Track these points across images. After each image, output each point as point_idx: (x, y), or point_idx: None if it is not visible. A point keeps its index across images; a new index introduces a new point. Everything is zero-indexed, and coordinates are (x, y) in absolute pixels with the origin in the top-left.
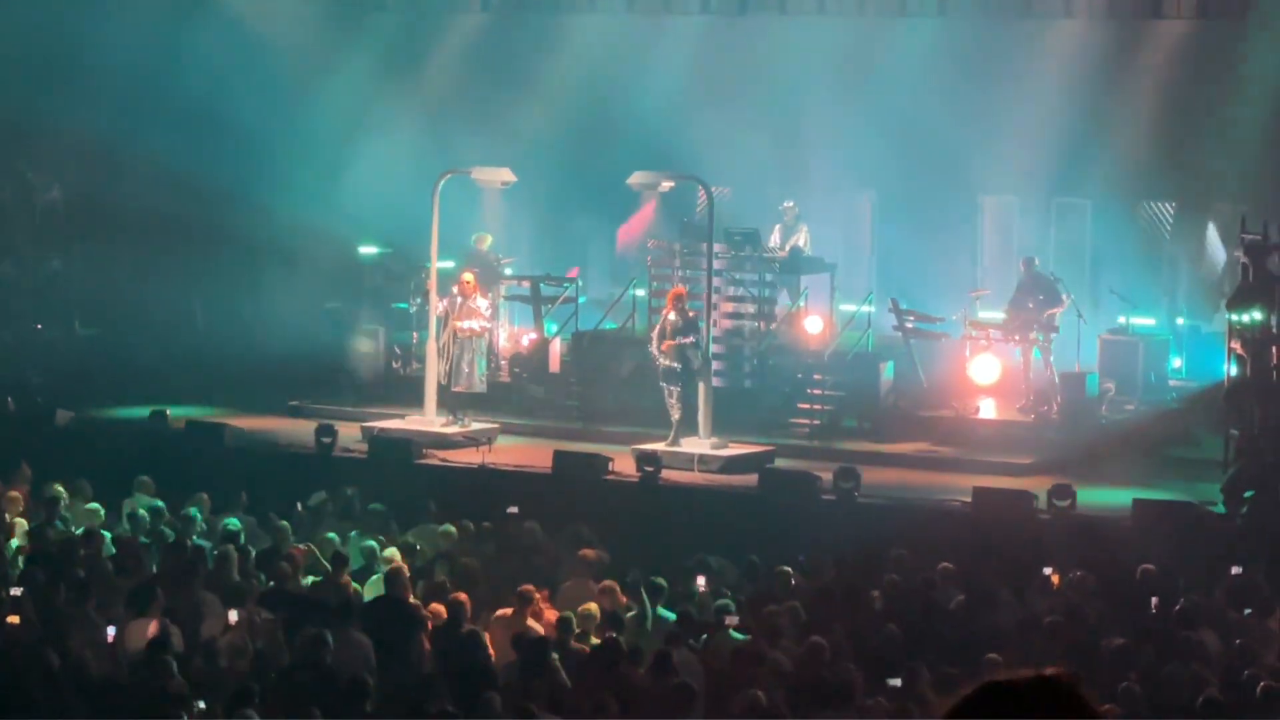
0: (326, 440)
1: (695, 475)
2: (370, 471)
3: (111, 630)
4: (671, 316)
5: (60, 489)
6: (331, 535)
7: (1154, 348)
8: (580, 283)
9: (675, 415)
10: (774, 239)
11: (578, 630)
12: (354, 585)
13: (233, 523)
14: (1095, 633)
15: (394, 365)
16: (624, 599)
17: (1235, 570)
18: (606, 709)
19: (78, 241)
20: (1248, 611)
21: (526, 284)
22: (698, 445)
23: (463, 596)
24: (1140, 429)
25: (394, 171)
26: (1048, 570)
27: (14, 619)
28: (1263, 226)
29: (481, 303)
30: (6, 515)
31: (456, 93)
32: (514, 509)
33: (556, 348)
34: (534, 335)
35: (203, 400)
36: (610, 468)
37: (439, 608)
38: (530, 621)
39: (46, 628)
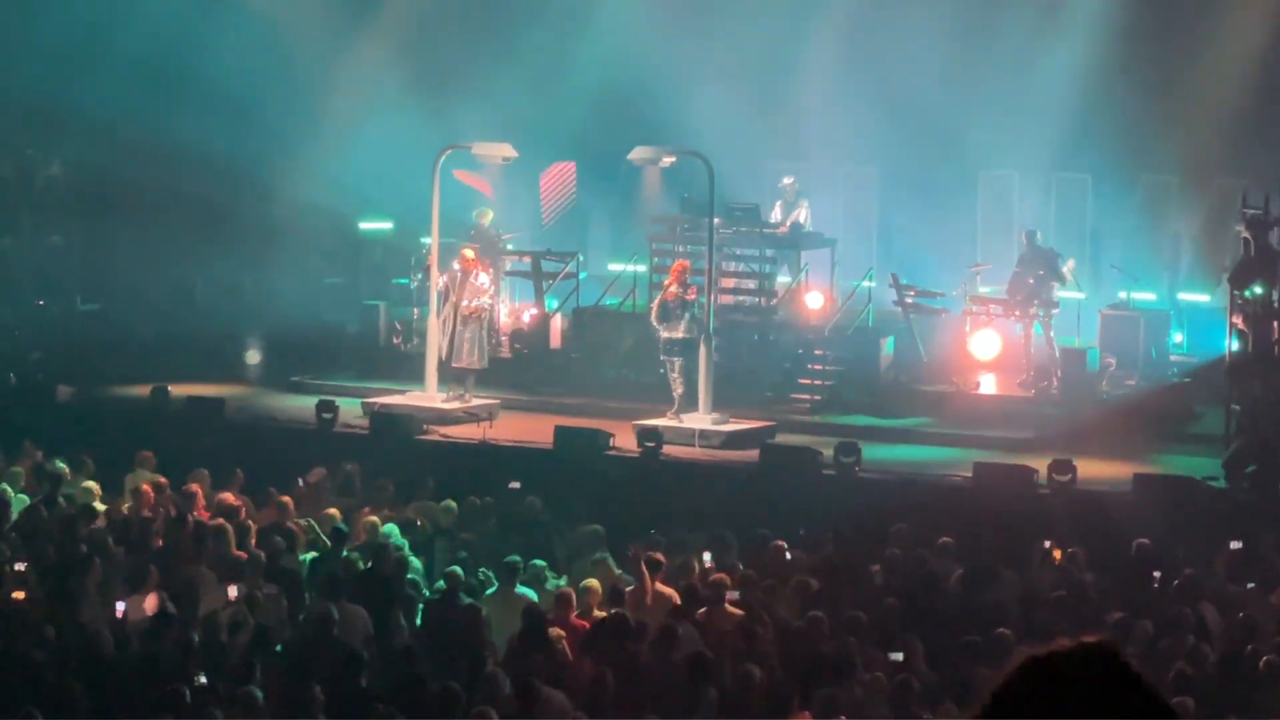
0: (327, 416)
1: (696, 451)
2: (371, 447)
3: (121, 606)
4: (674, 289)
5: (62, 464)
6: (332, 511)
7: (1155, 322)
8: (581, 258)
9: (678, 390)
10: (775, 214)
11: (579, 606)
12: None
13: (227, 498)
14: (1096, 607)
15: (395, 341)
16: (619, 572)
17: (1235, 544)
18: (606, 684)
19: (79, 218)
20: (1250, 585)
21: (527, 259)
22: (699, 421)
23: (459, 570)
24: (1141, 404)
25: (395, 147)
26: (1047, 544)
27: (19, 594)
28: (1264, 201)
29: (483, 278)
30: (8, 490)
31: (458, 69)
32: (515, 484)
33: (558, 323)
34: (535, 311)
35: (203, 376)
36: (611, 443)
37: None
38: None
39: (50, 603)
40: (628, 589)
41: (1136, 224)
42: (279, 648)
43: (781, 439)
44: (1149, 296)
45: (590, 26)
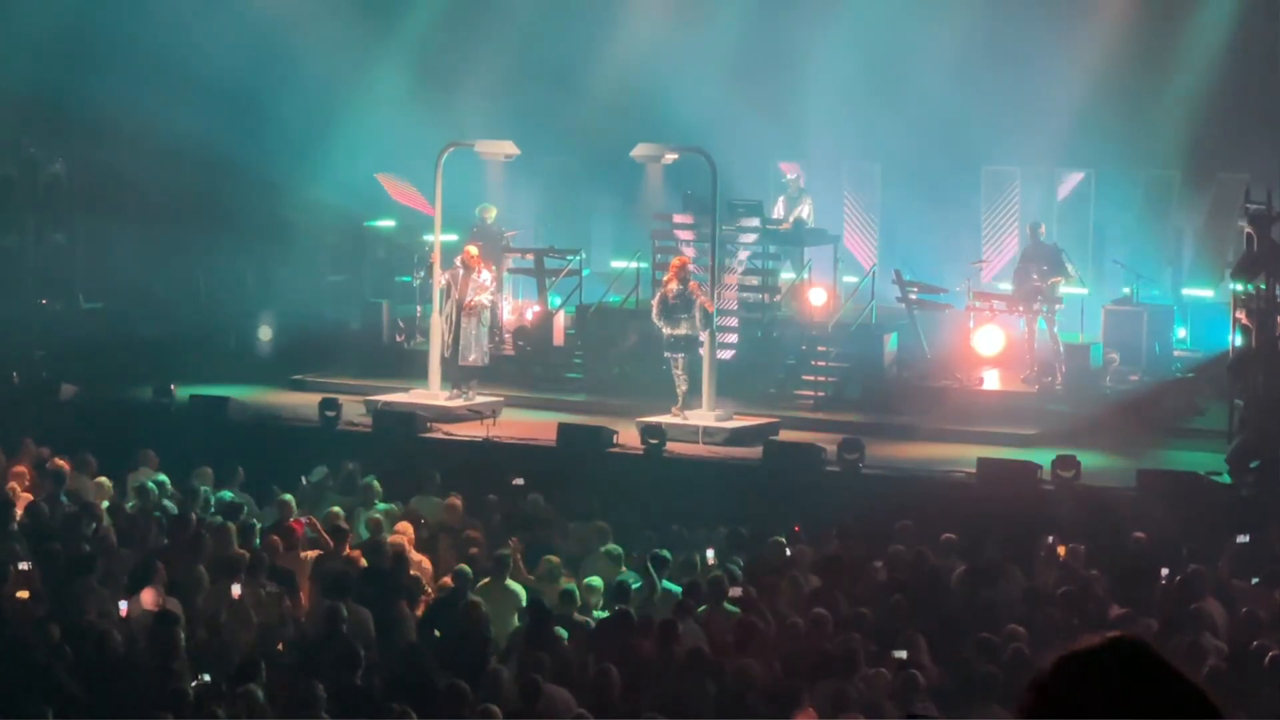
0: (330, 414)
1: (700, 447)
2: (374, 445)
3: (124, 605)
4: (675, 285)
5: (64, 464)
6: (335, 508)
7: (1158, 318)
8: (584, 255)
9: (682, 386)
10: (778, 211)
11: (581, 602)
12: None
13: (228, 496)
14: (1099, 603)
15: (398, 339)
16: (624, 569)
17: (1241, 539)
18: (610, 680)
19: (82, 216)
20: (1255, 580)
21: (530, 257)
22: (702, 418)
23: (467, 568)
24: (1145, 399)
25: (398, 145)
26: (1050, 539)
27: (23, 594)
28: (1267, 196)
29: (485, 276)
30: (12, 490)
31: (460, 65)
32: (519, 481)
33: (560, 320)
34: (538, 308)
35: (206, 374)
36: (615, 440)
37: (447, 580)
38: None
39: (53, 602)
40: (634, 587)
41: (1139, 219)
42: (280, 646)
43: (785, 436)
44: (1152, 292)
45: (594, 24)
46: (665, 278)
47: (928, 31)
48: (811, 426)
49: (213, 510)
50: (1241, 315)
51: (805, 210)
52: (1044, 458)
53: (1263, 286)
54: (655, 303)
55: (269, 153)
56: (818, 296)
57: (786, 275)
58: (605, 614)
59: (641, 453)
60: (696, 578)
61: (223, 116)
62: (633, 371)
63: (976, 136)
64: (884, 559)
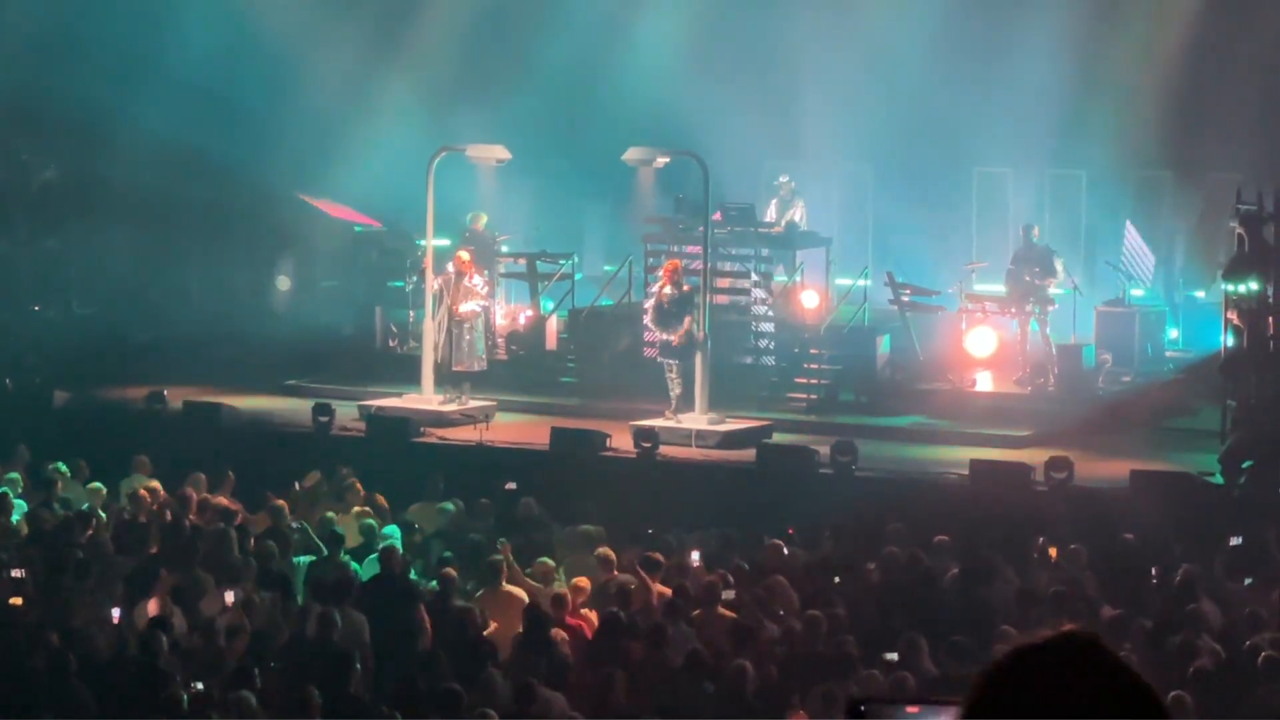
0: (324, 419)
1: (693, 451)
2: (368, 450)
3: (116, 612)
4: (667, 290)
5: (58, 469)
6: (329, 514)
7: (1150, 319)
8: (576, 259)
9: (675, 390)
10: (770, 214)
11: (571, 605)
12: (351, 564)
13: (225, 503)
14: (1094, 604)
15: (391, 343)
16: (616, 573)
17: (1235, 540)
18: (613, 684)
19: (74, 221)
20: (1248, 581)
21: (523, 261)
22: (695, 421)
23: (454, 571)
24: (1137, 400)
25: (390, 149)
26: (1041, 540)
27: (16, 600)
28: (1258, 196)
29: (478, 281)
30: (9, 495)
31: (452, 70)
32: (512, 485)
33: (553, 325)
34: (530, 313)
35: (200, 380)
36: (608, 444)
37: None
38: (511, 587)
39: (48, 609)
40: (631, 588)
41: (1131, 220)
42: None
43: (778, 438)
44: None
45: (585, 28)
46: (659, 283)
47: (919, 33)
48: (804, 429)
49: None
50: (1233, 316)
51: (798, 213)
52: (1037, 459)
53: (1255, 287)
54: (650, 308)
55: (261, 158)
56: (810, 299)
57: (779, 278)
58: (598, 617)
59: (634, 456)
60: (689, 580)
61: (215, 122)
62: (625, 375)
63: (968, 138)
64: (877, 561)
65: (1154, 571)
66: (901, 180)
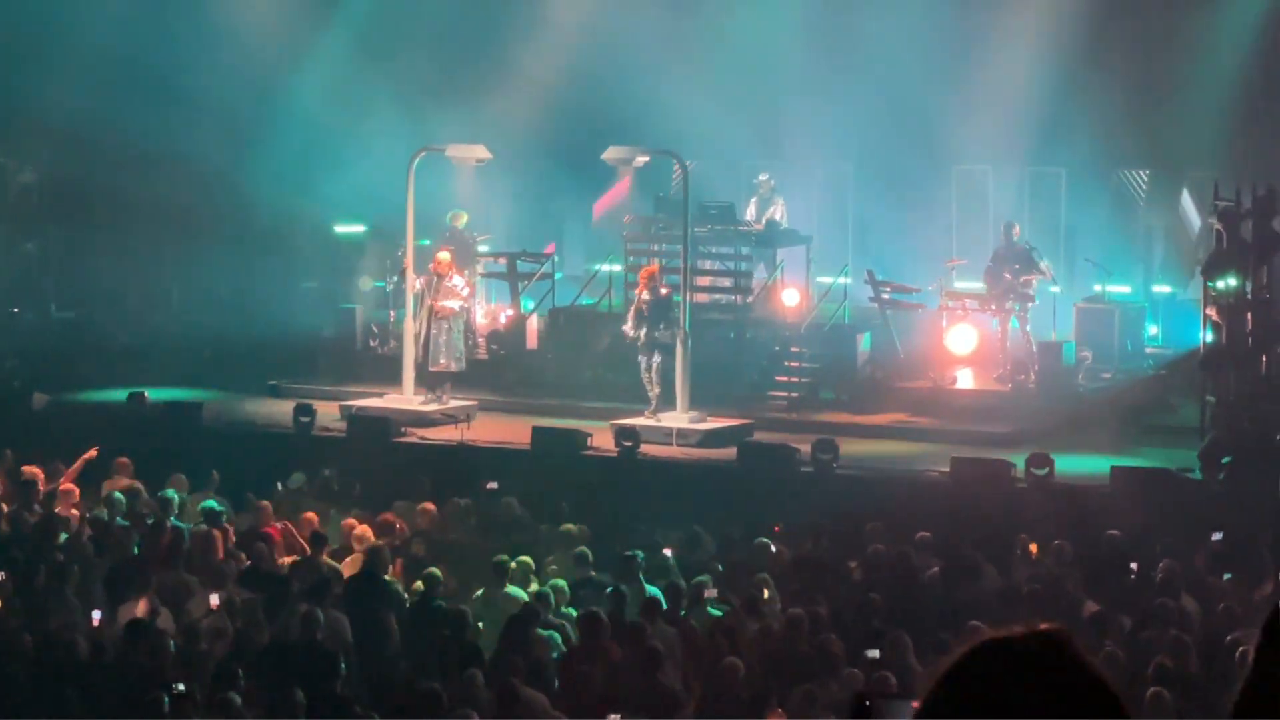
0: (305, 419)
1: (674, 449)
2: (349, 450)
3: (97, 615)
4: (645, 295)
5: (38, 472)
6: (310, 515)
7: (1130, 316)
8: (556, 259)
9: (654, 390)
10: (750, 212)
11: (555, 604)
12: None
13: (210, 504)
14: (1075, 601)
15: (372, 344)
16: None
17: (1216, 536)
18: (590, 683)
19: (53, 224)
20: (1227, 577)
21: (503, 261)
22: (676, 420)
23: (437, 571)
24: (1117, 397)
25: (370, 150)
26: (1023, 537)
27: None
28: (1235, 193)
29: (458, 281)
30: None
31: (431, 70)
32: (493, 485)
33: (533, 324)
34: (511, 312)
35: (180, 381)
36: (589, 443)
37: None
38: (512, 589)
39: (27, 611)
40: (609, 590)
41: (1110, 217)
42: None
43: (759, 437)
44: (1124, 289)
45: (564, 27)
46: (637, 289)
47: (899, 31)
48: (785, 427)
49: (183, 517)
50: (1212, 312)
51: (778, 212)
52: (1018, 456)
53: (1233, 283)
54: (630, 314)
55: (241, 160)
56: (790, 297)
57: (759, 276)
58: (579, 615)
59: (616, 455)
60: (672, 579)
61: (194, 124)
62: (606, 374)
63: (948, 136)
64: (859, 559)
65: (1133, 567)
66: (881, 178)
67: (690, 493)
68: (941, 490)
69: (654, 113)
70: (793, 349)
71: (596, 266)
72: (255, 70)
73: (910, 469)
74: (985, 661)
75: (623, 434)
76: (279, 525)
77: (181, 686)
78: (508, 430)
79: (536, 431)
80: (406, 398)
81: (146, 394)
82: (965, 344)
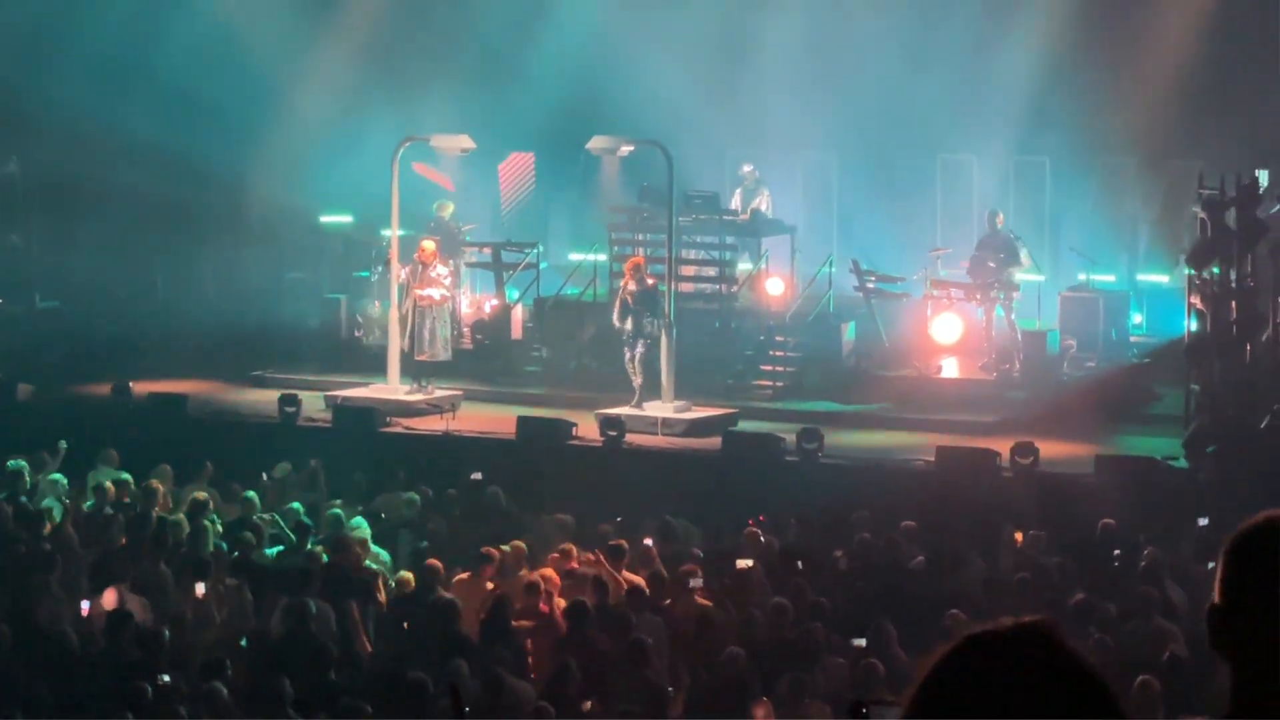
0: (290, 410)
1: (659, 439)
2: (334, 440)
3: (85, 605)
4: (631, 286)
5: (23, 463)
6: (296, 505)
7: (1114, 304)
8: (541, 248)
9: (637, 380)
10: (734, 202)
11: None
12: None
13: (199, 495)
14: (1060, 589)
15: (357, 334)
16: (578, 563)
17: (1201, 523)
18: (571, 674)
19: (37, 216)
20: (1212, 565)
21: (488, 251)
22: (661, 409)
23: (435, 564)
24: (1102, 385)
25: (354, 140)
26: (1008, 525)
27: None
28: (1220, 182)
29: (442, 270)
30: None
31: (416, 61)
32: (477, 475)
33: (518, 314)
34: (496, 302)
35: (165, 372)
36: (574, 433)
37: (408, 575)
38: (488, 584)
39: (12, 601)
40: (593, 576)
41: (1094, 206)
42: (244, 643)
43: (744, 426)
44: (1109, 278)
45: (547, 16)
46: (622, 280)
47: (883, 21)
48: (770, 416)
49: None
50: (1197, 300)
51: (763, 202)
52: (1003, 445)
53: (1217, 271)
54: (616, 306)
55: (225, 151)
56: (775, 287)
57: (744, 266)
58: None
59: (601, 445)
60: (655, 569)
61: (178, 115)
62: (591, 364)
63: (932, 125)
64: (844, 548)
65: (1117, 556)
66: (866, 168)
67: (675, 482)
68: (926, 479)
69: (639, 103)
70: (778, 338)
71: (581, 256)
72: (239, 60)
73: (895, 458)
74: (971, 656)
75: (608, 423)
76: (266, 517)
77: (166, 678)
78: (492, 420)
79: (521, 421)
80: (392, 388)
81: (131, 384)
82: (950, 333)
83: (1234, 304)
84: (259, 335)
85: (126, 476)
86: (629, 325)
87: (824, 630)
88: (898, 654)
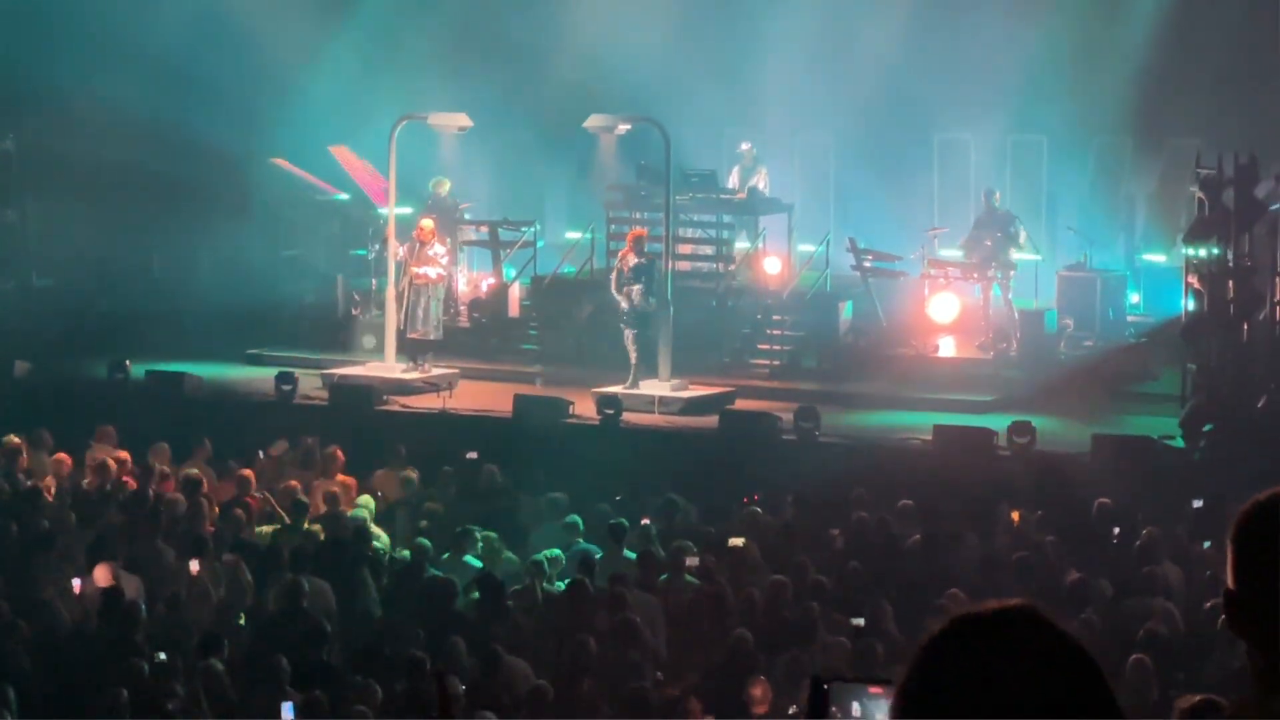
0: (287, 388)
1: (656, 417)
2: (331, 418)
3: (77, 582)
4: (631, 258)
5: (19, 440)
6: (294, 482)
7: (1112, 284)
8: (538, 227)
9: (634, 357)
10: (732, 180)
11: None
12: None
13: (194, 472)
14: (1056, 569)
15: (354, 312)
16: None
17: (1197, 504)
18: (568, 650)
19: (33, 193)
20: (1208, 544)
21: (485, 229)
22: (658, 387)
23: (425, 541)
24: (1099, 365)
25: (351, 118)
26: (1005, 504)
27: None
28: (1218, 161)
29: (439, 248)
30: None
31: (413, 37)
32: (473, 454)
33: (515, 292)
34: (493, 280)
35: (162, 350)
36: (570, 411)
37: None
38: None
39: (9, 579)
40: (596, 557)
41: (1092, 185)
42: (241, 620)
43: (741, 404)
44: (1106, 258)
45: None
46: (622, 250)
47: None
48: (767, 395)
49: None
50: (1194, 280)
51: (760, 180)
52: (999, 424)
53: (1215, 251)
54: (613, 276)
55: (221, 128)
56: (772, 265)
57: (741, 245)
58: (566, 584)
59: (597, 423)
60: (652, 547)
61: (174, 91)
62: (588, 342)
63: (929, 104)
64: (841, 527)
65: (1115, 534)
66: (863, 146)
67: (672, 460)
68: (923, 458)
69: (636, 81)
70: (775, 317)
71: (578, 235)
72: (236, 37)
73: (892, 437)
74: (960, 638)
75: (604, 402)
76: (259, 495)
77: (163, 655)
78: (489, 398)
79: (518, 399)
80: (388, 366)
81: (128, 362)
82: (947, 312)
83: (1231, 283)
84: (256, 313)
85: (123, 455)
86: (626, 295)
87: (820, 609)
88: (892, 632)
